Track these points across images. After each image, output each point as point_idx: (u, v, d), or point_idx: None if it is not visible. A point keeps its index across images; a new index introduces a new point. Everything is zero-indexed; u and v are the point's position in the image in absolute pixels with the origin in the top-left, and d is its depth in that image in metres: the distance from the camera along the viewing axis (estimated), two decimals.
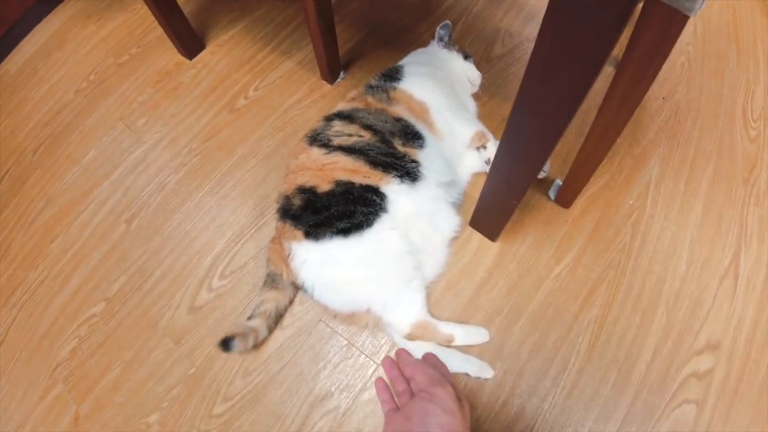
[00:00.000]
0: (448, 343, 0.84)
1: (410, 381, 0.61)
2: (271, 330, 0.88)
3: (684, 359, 0.85)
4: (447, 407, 0.54)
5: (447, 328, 0.84)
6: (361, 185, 0.82)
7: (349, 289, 0.81)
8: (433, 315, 0.86)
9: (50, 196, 1.10)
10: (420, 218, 0.86)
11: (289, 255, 0.83)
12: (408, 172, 0.85)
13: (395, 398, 0.62)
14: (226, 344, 0.81)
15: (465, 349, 0.85)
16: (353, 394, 0.83)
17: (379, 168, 0.84)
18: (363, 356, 0.86)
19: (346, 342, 0.88)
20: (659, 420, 0.80)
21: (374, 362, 0.86)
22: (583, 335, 0.86)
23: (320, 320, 0.90)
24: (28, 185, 1.13)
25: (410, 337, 0.82)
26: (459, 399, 0.58)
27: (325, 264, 0.80)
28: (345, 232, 0.79)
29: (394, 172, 0.84)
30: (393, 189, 0.83)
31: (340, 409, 0.82)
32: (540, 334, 0.86)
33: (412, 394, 0.60)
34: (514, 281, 0.91)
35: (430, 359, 0.67)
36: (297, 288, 0.89)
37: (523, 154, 0.65)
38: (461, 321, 0.88)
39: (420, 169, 0.86)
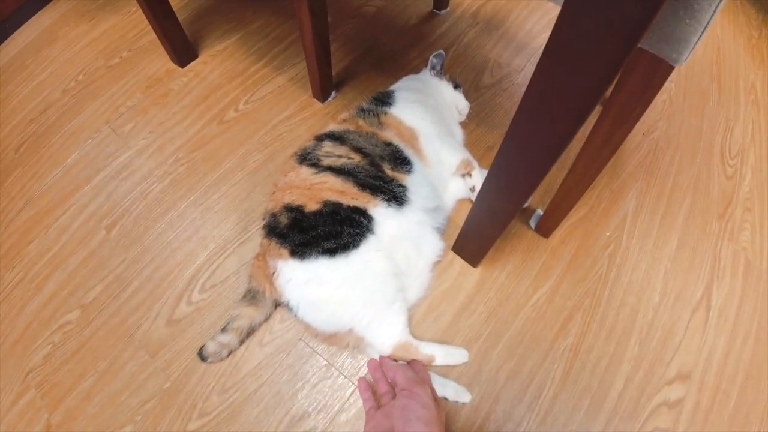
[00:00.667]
0: (428, 363, 0.85)
1: (393, 383, 0.69)
2: (242, 342, 0.88)
3: (655, 388, 0.87)
4: (425, 403, 0.62)
5: (428, 349, 0.85)
6: (348, 206, 0.82)
7: (333, 308, 0.81)
8: (414, 336, 0.87)
9: (30, 197, 1.08)
10: (405, 242, 0.86)
11: (273, 273, 0.82)
12: (395, 196, 0.86)
13: (378, 398, 0.70)
14: (202, 358, 0.87)
15: (443, 373, 0.86)
16: (331, 415, 0.83)
17: (367, 190, 0.84)
18: (342, 377, 0.86)
19: (325, 362, 0.88)
20: None
21: (353, 383, 0.86)
22: (558, 363, 0.88)
23: (300, 339, 0.89)
24: (8, 183, 1.10)
25: (392, 357, 0.83)
26: (435, 399, 0.66)
27: (310, 283, 0.80)
28: (331, 252, 0.79)
29: (382, 196, 0.85)
30: (380, 212, 0.84)
31: (317, 430, 0.82)
32: (517, 361, 0.88)
33: (394, 396, 0.66)
34: (493, 307, 0.93)
35: (414, 366, 0.77)
36: (277, 306, 0.89)
37: (509, 188, 0.67)
38: (441, 343, 0.89)
39: (407, 193, 0.87)
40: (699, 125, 1.21)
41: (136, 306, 0.94)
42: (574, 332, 0.91)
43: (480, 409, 0.84)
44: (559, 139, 0.52)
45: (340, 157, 0.87)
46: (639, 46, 0.59)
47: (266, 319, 0.90)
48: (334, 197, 0.82)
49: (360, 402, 0.84)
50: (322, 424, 0.83)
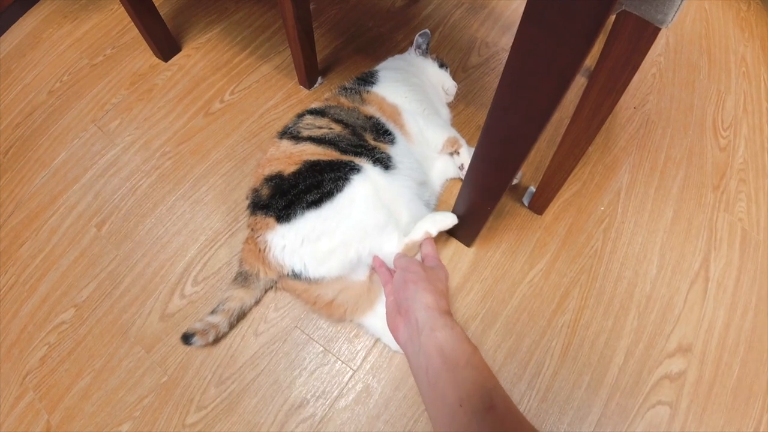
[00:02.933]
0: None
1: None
2: (232, 326, 0.87)
3: (656, 362, 0.87)
4: (414, 269, 0.72)
5: (419, 233, 0.85)
6: (330, 160, 0.80)
7: (338, 253, 0.79)
8: None
9: (19, 200, 1.07)
10: (397, 200, 0.84)
11: (265, 249, 0.80)
12: (380, 160, 0.84)
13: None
14: (186, 339, 0.82)
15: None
16: (329, 401, 0.83)
17: (350, 154, 0.82)
18: (339, 362, 0.86)
19: (322, 348, 0.87)
20: (633, 421, 0.82)
21: (350, 368, 0.85)
22: (557, 339, 0.87)
23: (296, 327, 0.89)
24: None
25: None
26: (432, 267, 0.77)
27: (306, 241, 0.77)
28: (316, 203, 0.76)
29: (367, 158, 0.82)
30: (367, 167, 0.81)
31: (316, 416, 0.81)
32: (515, 339, 0.87)
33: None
34: (489, 286, 0.92)
35: (424, 247, 0.86)
36: (267, 290, 0.89)
37: (497, 162, 0.66)
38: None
39: (392, 161, 0.86)
40: (690, 98, 1.21)
41: (130, 302, 0.93)
42: (572, 308, 0.90)
43: None
44: (543, 106, 0.51)
45: (320, 128, 0.85)
46: (624, 8, 0.58)
47: (257, 303, 0.89)
48: (314, 158, 0.80)
49: (359, 386, 0.84)
50: (321, 410, 0.82)
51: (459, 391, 0.53)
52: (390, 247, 0.82)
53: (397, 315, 0.69)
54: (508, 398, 0.53)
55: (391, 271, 0.81)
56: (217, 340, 0.86)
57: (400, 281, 0.72)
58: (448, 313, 0.65)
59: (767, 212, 1.06)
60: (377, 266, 0.82)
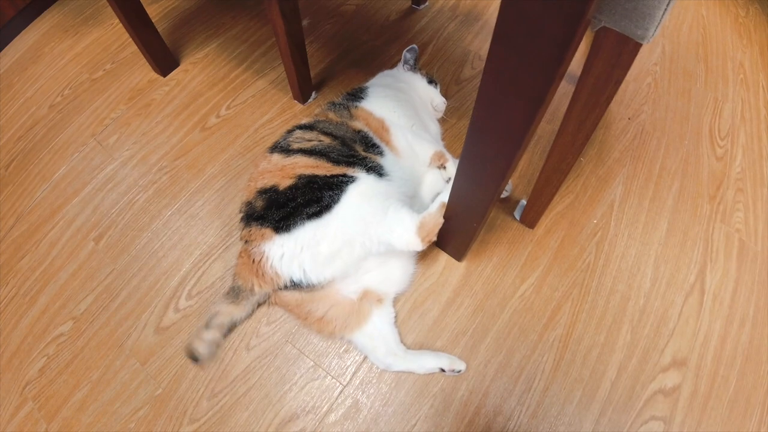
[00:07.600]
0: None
1: None
2: (225, 336, 0.89)
3: (650, 376, 0.86)
4: None
5: (436, 205, 0.82)
6: (325, 176, 0.80)
7: (342, 254, 0.79)
8: (399, 334, 0.87)
9: (20, 213, 1.09)
10: (391, 200, 0.83)
11: (261, 260, 0.80)
12: (373, 168, 0.84)
13: None
14: (195, 359, 0.85)
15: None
16: (319, 416, 0.83)
17: (343, 164, 0.82)
18: (329, 377, 0.86)
19: (312, 363, 0.88)
20: None
21: (340, 383, 0.86)
22: (548, 354, 0.87)
23: (287, 341, 0.89)
24: None
25: (425, 242, 0.79)
26: None
27: (306, 248, 0.78)
28: (317, 214, 0.77)
29: (359, 166, 0.83)
30: (361, 175, 0.82)
31: (306, 431, 0.82)
32: (505, 354, 0.87)
33: None
34: (479, 301, 0.92)
35: None
36: (259, 305, 0.90)
37: (479, 178, 0.66)
38: (426, 343, 0.89)
39: (384, 170, 0.86)
40: (686, 107, 1.20)
41: (126, 315, 0.94)
42: (563, 323, 0.90)
43: (469, 404, 0.83)
44: (519, 124, 0.52)
45: (310, 140, 0.86)
46: (603, 24, 0.58)
47: (247, 317, 0.90)
48: (308, 171, 0.81)
49: (348, 401, 0.84)
50: (311, 425, 0.82)
51: None
52: (402, 227, 0.79)
53: None
54: None
55: None
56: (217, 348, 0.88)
57: None
58: None
59: (766, 222, 1.05)
60: None
